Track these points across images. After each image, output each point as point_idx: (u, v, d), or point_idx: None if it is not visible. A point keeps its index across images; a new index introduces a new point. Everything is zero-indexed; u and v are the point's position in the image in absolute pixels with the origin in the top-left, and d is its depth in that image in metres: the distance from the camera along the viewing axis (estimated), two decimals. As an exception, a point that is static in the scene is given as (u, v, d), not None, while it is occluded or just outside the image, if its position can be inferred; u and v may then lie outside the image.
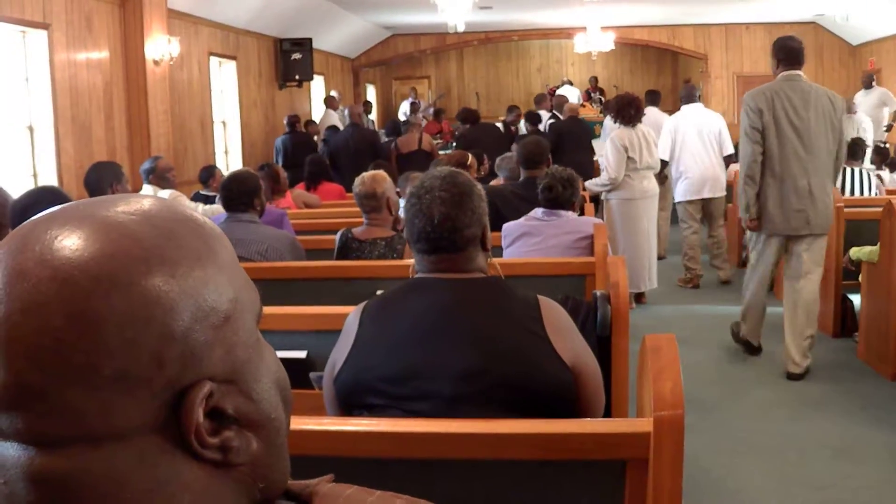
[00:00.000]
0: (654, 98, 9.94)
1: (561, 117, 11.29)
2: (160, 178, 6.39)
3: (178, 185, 6.75)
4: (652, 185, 7.40)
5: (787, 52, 5.34)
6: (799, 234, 5.32)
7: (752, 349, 5.88)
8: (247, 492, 0.77)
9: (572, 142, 9.79)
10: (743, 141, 5.37)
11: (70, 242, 0.70)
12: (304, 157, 8.71)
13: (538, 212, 4.72)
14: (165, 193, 6.00)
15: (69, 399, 0.68)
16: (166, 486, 0.72)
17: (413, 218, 2.23)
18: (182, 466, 0.72)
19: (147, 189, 6.31)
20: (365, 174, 4.52)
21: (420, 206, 2.22)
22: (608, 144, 7.33)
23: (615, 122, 7.34)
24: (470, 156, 6.46)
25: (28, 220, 0.75)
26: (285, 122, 11.50)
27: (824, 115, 5.24)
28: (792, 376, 5.44)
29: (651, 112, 8.89)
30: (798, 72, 5.31)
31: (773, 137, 5.21)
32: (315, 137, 11.87)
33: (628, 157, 7.11)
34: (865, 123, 10.74)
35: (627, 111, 7.17)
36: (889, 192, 7.34)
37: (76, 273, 0.69)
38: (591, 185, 7.36)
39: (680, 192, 8.13)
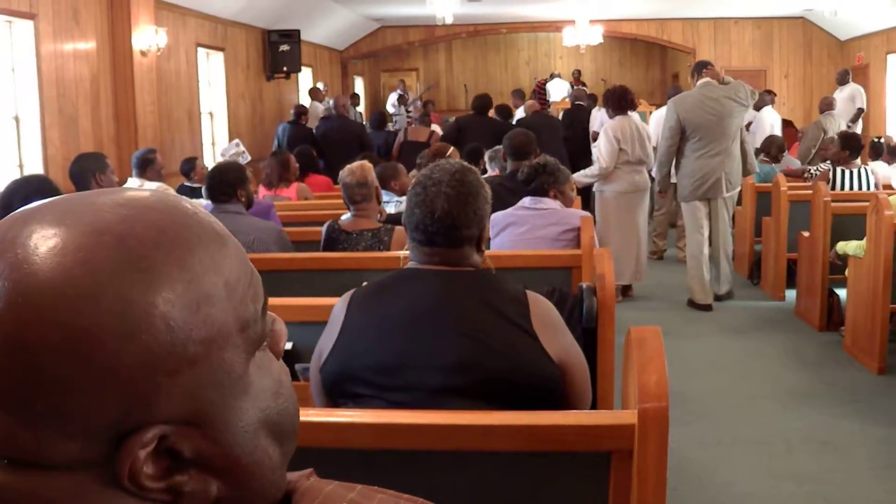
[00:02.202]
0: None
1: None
2: (144, 168, 6.32)
3: (164, 176, 6.70)
4: (643, 179, 7.46)
5: (701, 66, 7.37)
6: (717, 196, 7.02)
7: (706, 307, 7.10)
8: None
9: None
10: (663, 135, 7.24)
11: (21, 266, 0.66)
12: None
13: (526, 200, 4.76)
14: (153, 186, 5.94)
15: (2, 423, 0.65)
16: None
17: (414, 207, 2.21)
18: (123, 502, 0.68)
19: (134, 182, 6.25)
20: (352, 164, 4.51)
21: (424, 196, 2.20)
22: (601, 135, 7.44)
23: (612, 116, 7.42)
24: (452, 148, 6.44)
25: None
26: (292, 112, 11.36)
27: (730, 107, 6.95)
28: (706, 307, 7.04)
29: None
30: (709, 79, 7.11)
31: (693, 129, 6.94)
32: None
33: (620, 149, 7.17)
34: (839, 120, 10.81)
35: (625, 98, 7.40)
36: (885, 187, 7.38)
37: (19, 300, 0.65)
38: (581, 176, 7.37)
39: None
